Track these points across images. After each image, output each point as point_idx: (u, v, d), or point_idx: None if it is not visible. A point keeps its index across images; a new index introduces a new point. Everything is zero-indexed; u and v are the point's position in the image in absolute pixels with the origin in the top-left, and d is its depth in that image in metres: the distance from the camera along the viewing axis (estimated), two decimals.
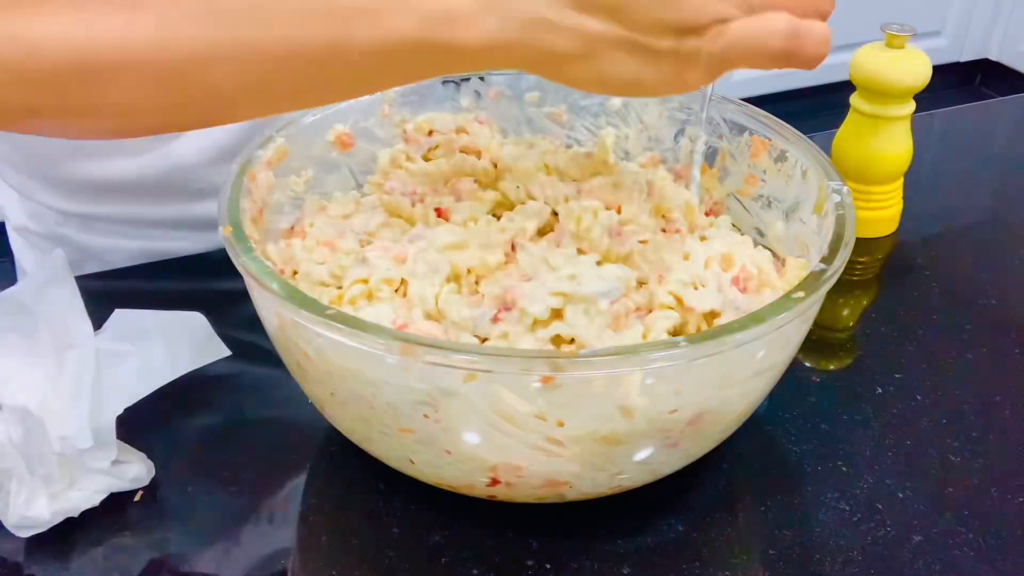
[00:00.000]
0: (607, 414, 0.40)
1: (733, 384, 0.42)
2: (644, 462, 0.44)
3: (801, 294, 0.41)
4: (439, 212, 0.52)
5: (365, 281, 0.47)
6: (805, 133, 0.55)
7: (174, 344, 0.51)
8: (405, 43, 0.36)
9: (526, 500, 0.46)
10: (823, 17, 0.37)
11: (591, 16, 0.36)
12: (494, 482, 0.44)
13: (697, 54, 0.37)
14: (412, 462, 0.45)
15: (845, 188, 0.48)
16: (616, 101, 0.61)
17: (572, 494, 0.45)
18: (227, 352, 0.53)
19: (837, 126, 0.73)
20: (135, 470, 0.48)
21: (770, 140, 0.55)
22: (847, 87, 0.72)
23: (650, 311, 0.47)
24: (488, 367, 0.38)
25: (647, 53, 0.37)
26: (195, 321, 0.53)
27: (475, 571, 0.45)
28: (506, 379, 0.38)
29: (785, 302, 0.40)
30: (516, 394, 0.39)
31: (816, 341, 0.60)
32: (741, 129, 0.56)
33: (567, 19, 0.36)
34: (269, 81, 0.38)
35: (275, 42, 0.37)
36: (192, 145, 0.67)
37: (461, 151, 0.57)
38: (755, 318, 0.39)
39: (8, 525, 0.46)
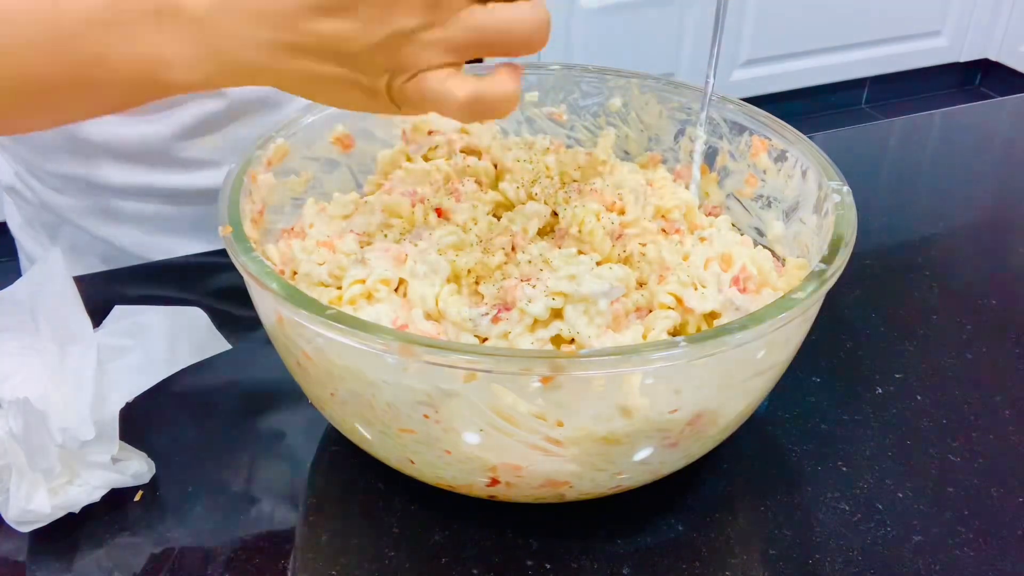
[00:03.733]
0: (607, 414, 0.40)
1: (733, 384, 0.42)
2: (644, 462, 0.44)
3: (801, 294, 0.41)
4: (439, 212, 0.52)
5: (363, 281, 0.47)
6: (806, 133, 0.55)
7: (174, 338, 0.51)
8: (134, 82, 0.40)
9: (526, 500, 0.46)
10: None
11: (303, 58, 0.38)
12: (494, 482, 0.44)
13: (401, 92, 0.39)
14: (412, 462, 0.45)
15: (845, 188, 0.48)
16: (616, 101, 0.61)
17: (572, 494, 0.45)
18: (227, 346, 0.53)
19: (838, 126, 0.73)
20: (135, 466, 0.48)
21: (770, 140, 0.55)
22: (847, 87, 0.72)
23: (650, 311, 0.47)
24: (488, 367, 0.38)
25: (355, 88, 0.39)
26: (195, 316, 0.53)
27: (475, 571, 0.45)
28: (506, 379, 0.38)
29: (785, 302, 0.40)
30: (516, 394, 0.39)
31: (816, 341, 0.60)
32: (741, 129, 0.56)
33: (280, 63, 0.38)
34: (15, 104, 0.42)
35: (21, 77, 0.41)
36: (164, 121, 0.68)
37: (461, 151, 0.57)
38: (755, 318, 0.39)
39: (8, 519, 0.46)
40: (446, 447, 0.42)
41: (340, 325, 0.38)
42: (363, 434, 0.45)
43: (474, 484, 0.45)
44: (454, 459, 0.43)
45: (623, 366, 0.38)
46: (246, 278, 0.43)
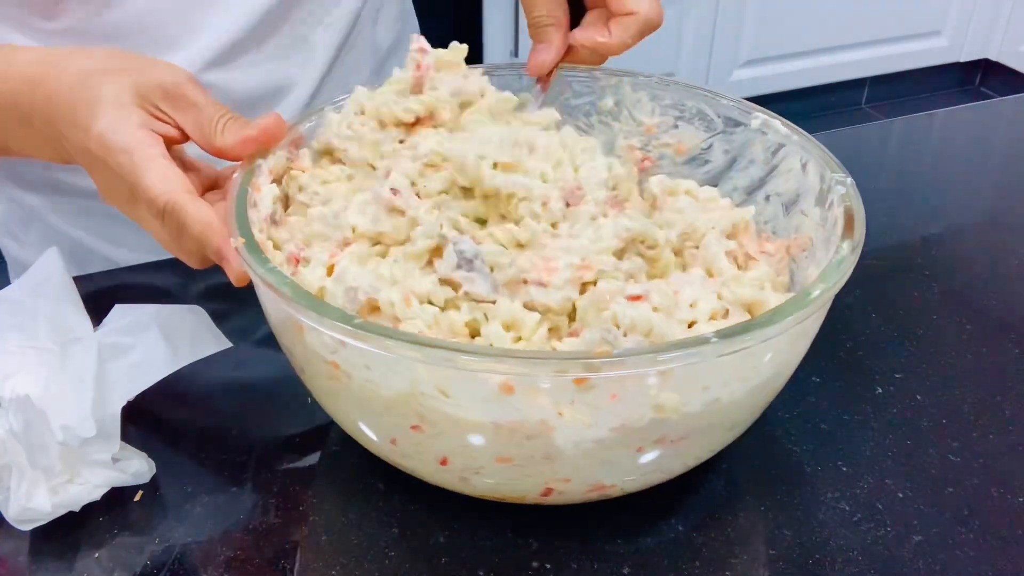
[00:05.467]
0: (640, 412, 0.40)
1: (756, 377, 0.43)
2: (672, 457, 0.44)
3: (822, 287, 0.41)
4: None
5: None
6: (808, 133, 0.55)
7: (175, 336, 0.51)
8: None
9: (573, 503, 0.47)
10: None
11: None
12: (548, 492, 0.44)
13: None
14: (465, 479, 0.44)
15: (849, 179, 0.49)
16: (608, 100, 0.61)
17: (616, 492, 0.45)
18: (228, 344, 0.53)
19: (838, 126, 0.73)
20: (136, 466, 0.48)
21: (765, 134, 0.55)
22: (847, 87, 0.72)
23: None
24: (524, 371, 0.38)
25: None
26: (195, 314, 0.53)
27: (475, 571, 0.45)
28: (541, 382, 0.38)
29: (806, 296, 0.41)
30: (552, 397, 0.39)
31: (816, 341, 0.60)
32: (736, 124, 0.57)
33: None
34: None
35: None
36: None
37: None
38: (780, 312, 0.40)
39: (9, 518, 0.46)
40: (534, 468, 0.42)
41: (367, 333, 0.38)
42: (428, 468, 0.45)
43: (528, 495, 0.45)
44: (525, 473, 0.43)
45: (656, 364, 0.38)
46: (263, 290, 0.42)
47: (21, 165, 0.72)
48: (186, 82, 0.50)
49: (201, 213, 0.46)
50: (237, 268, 0.45)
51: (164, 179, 0.46)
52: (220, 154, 0.50)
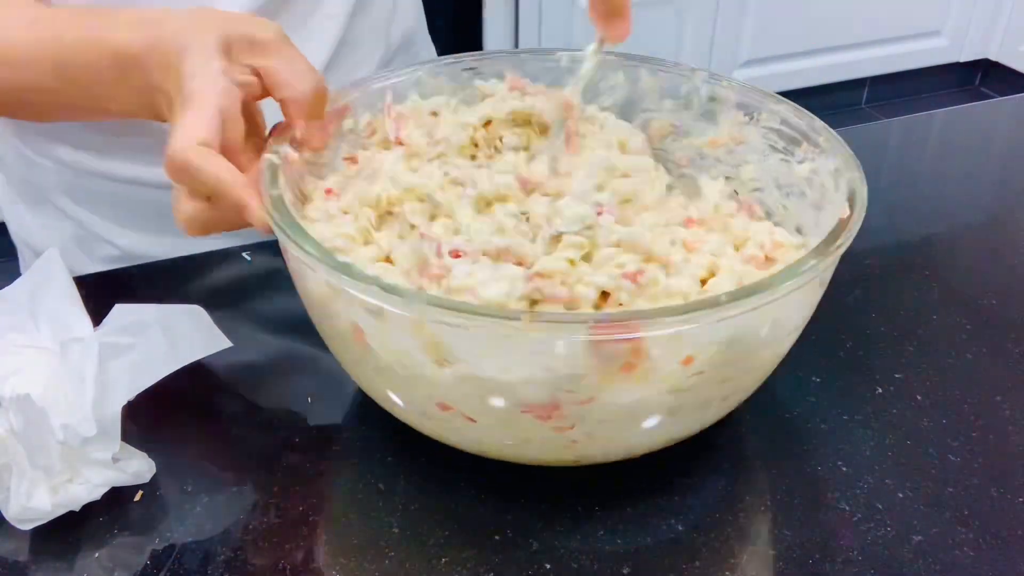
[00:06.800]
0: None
1: (808, 307, 0.48)
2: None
3: (852, 213, 0.45)
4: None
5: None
6: None
7: (175, 336, 0.51)
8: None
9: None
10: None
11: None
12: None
13: None
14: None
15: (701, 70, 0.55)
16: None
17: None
18: (228, 343, 0.53)
19: (838, 126, 0.73)
20: (136, 465, 0.48)
21: (736, 99, 0.58)
22: (847, 87, 0.72)
23: None
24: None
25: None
26: (195, 313, 0.53)
27: (475, 571, 0.45)
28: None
29: (839, 228, 0.45)
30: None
31: (816, 341, 0.60)
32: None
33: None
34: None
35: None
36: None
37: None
38: (823, 250, 0.43)
39: (9, 517, 0.46)
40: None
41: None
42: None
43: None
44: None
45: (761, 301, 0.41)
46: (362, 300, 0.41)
47: (41, 144, 0.73)
48: (276, 36, 0.50)
49: (213, 165, 0.45)
50: (259, 213, 0.45)
51: (186, 136, 0.45)
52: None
